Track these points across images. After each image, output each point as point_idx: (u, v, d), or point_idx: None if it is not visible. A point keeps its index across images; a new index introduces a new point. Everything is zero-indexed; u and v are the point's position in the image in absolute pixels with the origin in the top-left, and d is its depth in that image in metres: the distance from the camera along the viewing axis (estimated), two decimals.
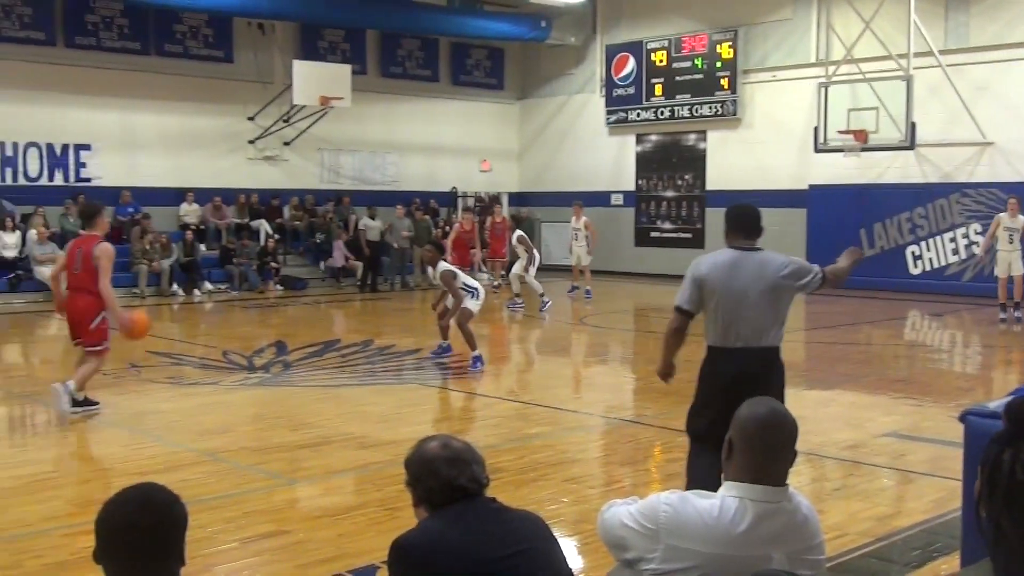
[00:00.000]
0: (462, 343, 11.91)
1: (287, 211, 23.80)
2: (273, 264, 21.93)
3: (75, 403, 8.89)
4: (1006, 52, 20.01)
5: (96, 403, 9.17)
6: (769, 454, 2.94)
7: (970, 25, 20.70)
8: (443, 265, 11.84)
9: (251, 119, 23.50)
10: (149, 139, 22.23)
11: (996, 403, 4.70)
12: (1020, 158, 19.93)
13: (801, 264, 5.40)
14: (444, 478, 2.99)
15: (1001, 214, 16.71)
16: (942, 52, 20.08)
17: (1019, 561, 2.01)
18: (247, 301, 19.83)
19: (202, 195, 22.50)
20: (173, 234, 21.23)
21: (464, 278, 12.01)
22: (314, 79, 21.94)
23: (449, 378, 11.40)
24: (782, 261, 5.30)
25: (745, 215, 5.38)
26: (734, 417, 3.02)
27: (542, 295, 17.90)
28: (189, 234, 21.28)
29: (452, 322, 11.99)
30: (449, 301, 11.95)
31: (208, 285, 21.00)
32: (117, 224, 21.48)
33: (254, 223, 22.80)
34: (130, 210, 21.42)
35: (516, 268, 18.45)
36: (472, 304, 11.77)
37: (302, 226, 23.64)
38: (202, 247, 21.68)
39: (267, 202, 23.43)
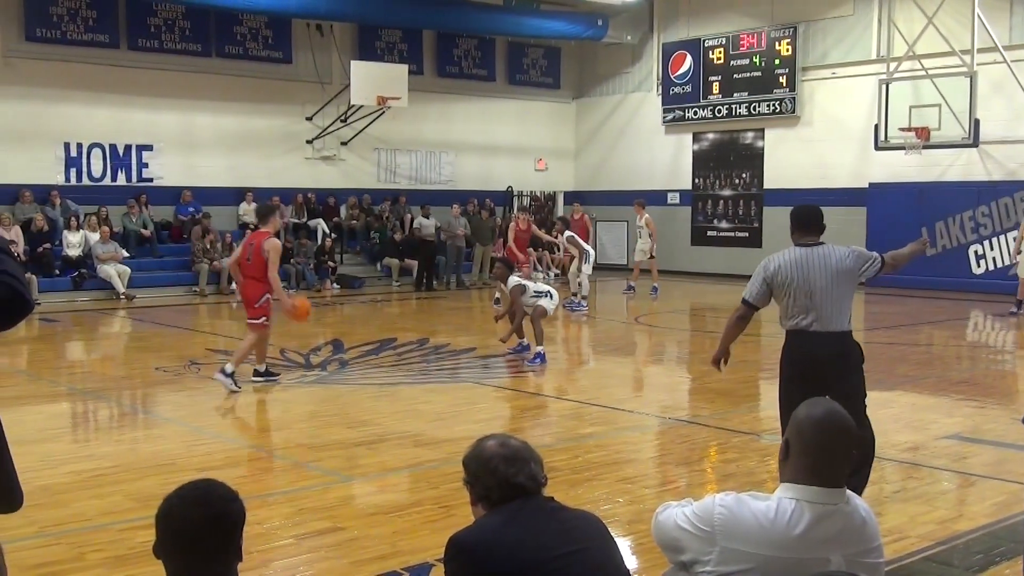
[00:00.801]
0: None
1: (344, 210, 23.99)
2: (330, 263, 22.12)
3: (256, 374, 10.47)
4: None
5: (276, 375, 10.65)
6: (826, 455, 2.90)
7: None
8: (513, 280, 12.45)
9: (309, 119, 23.71)
10: (209, 139, 22.54)
11: None
12: None
13: (861, 251, 6.03)
14: (502, 476, 3.00)
15: None
16: (1007, 47, 19.68)
17: None
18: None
19: (261, 195, 22.69)
20: (233, 233, 21.49)
21: (533, 287, 12.57)
22: (371, 79, 22.07)
23: (504, 377, 11.41)
24: (844, 251, 5.93)
25: (808, 214, 6.04)
26: (791, 418, 3.00)
27: (575, 294, 17.96)
28: (248, 233, 21.47)
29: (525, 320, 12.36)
30: (543, 303, 12.42)
31: None
32: (178, 223, 21.85)
33: (311, 222, 23.00)
34: (191, 210, 21.73)
35: (573, 268, 18.54)
36: (547, 304, 12.39)
37: (359, 225, 23.81)
38: None
39: (324, 201, 23.64)
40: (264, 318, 10.36)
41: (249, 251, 10.34)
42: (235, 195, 22.58)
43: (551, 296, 12.51)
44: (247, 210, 22.40)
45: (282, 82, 23.37)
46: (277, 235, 10.60)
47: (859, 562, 2.89)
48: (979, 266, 21.00)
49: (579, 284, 18.24)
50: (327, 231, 22.75)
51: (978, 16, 19.24)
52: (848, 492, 2.95)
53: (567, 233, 18.43)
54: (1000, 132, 19.90)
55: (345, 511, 6.25)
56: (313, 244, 22.32)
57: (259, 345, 10.50)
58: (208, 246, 20.60)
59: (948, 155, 20.83)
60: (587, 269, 18.24)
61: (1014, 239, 19.64)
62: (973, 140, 19.51)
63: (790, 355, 5.97)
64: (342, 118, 23.45)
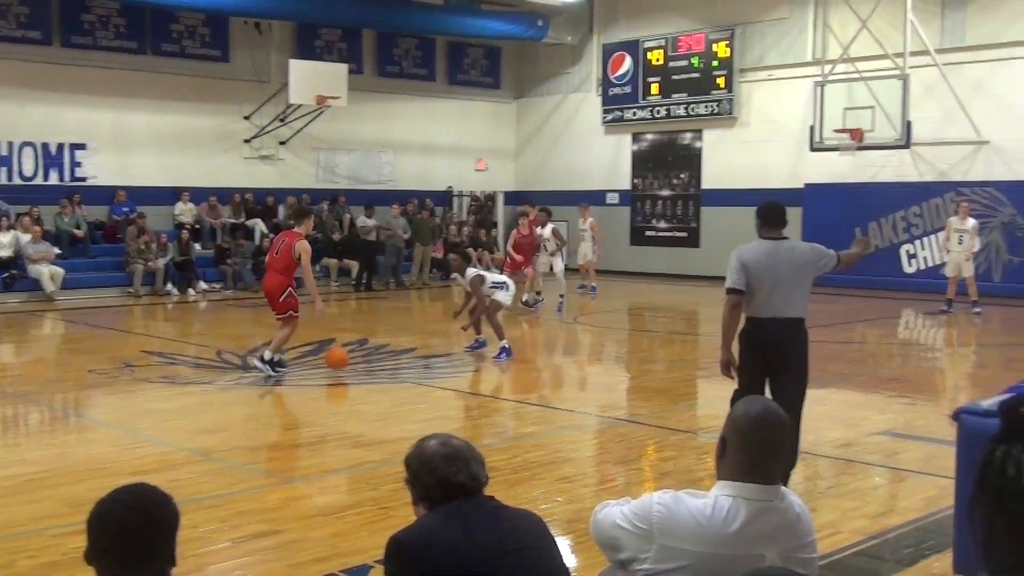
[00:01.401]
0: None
1: (282, 210, 23.79)
2: None
3: (263, 360, 10.69)
4: (1002, 51, 20.04)
5: (284, 367, 10.84)
6: (763, 452, 2.93)
7: (966, 23, 20.72)
8: (471, 271, 12.50)
9: (247, 118, 23.48)
10: (145, 138, 22.21)
11: (989, 401, 4.72)
12: (1015, 157, 19.96)
13: (820, 248, 6.58)
14: (443, 475, 3.00)
15: (952, 217, 17.78)
16: (938, 51, 20.10)
17: (1010, 562, 2.02)
18: (242, 300, 19.81)
19: (197, 194, 22.49)
20: (168, 233, 21.21)
21: (491, 277, 12.67)
22: (310, 78, 21.93)
23: (445, 377, 11.40)
24: (805, 246, 6.56)
25: (774, 211, 6.54)
26: (729, 416, 3.02)
27: (538, 292, 17.93)
28: (184, 233, 21.26)
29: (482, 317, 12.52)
30: (499, 296, 12.53)
31: (203, 284, 20.98)
32: (112, 223, 21.52)
33: (249, 222, 22.79)
34: (125, 209, 21.41)
35: (543, 265, 18.13)
36: (503, 296, 12.50)
37: None
38: (197, 246, 21.66)
39: (262, 201, 23.43)
40: (291, 311, 10.85)
41: (279, 246, 10.92)
42: (171, 195, 22.27)
43: (507, 288, 12.63)
44: (183, 210, 22.14)
45: (219, 81, 23.11)
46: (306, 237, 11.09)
47: (794, 557, 2.92)
48: (911, 265, 21.43)
49: (540, 281, 18.11)
50: (265, 231, 22.54)
51: (910, 20, 19.61)
52: (783, 489, 2.99)
53: (550, 226, 18.11)
54: (931, 134, 20.30)
55: (283, 514, 6.20)
56: (251, 244, 22.12)
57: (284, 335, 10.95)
58: (143, 247, 20.30)
59: (881, 156, 21.21)
60: (560, 264, 18.04)
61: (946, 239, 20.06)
62: (905, 142, 19.88)
63: (751, 339, 6.37)
64: (280, 117, 23.25)
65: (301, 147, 24.39)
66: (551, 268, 17.94)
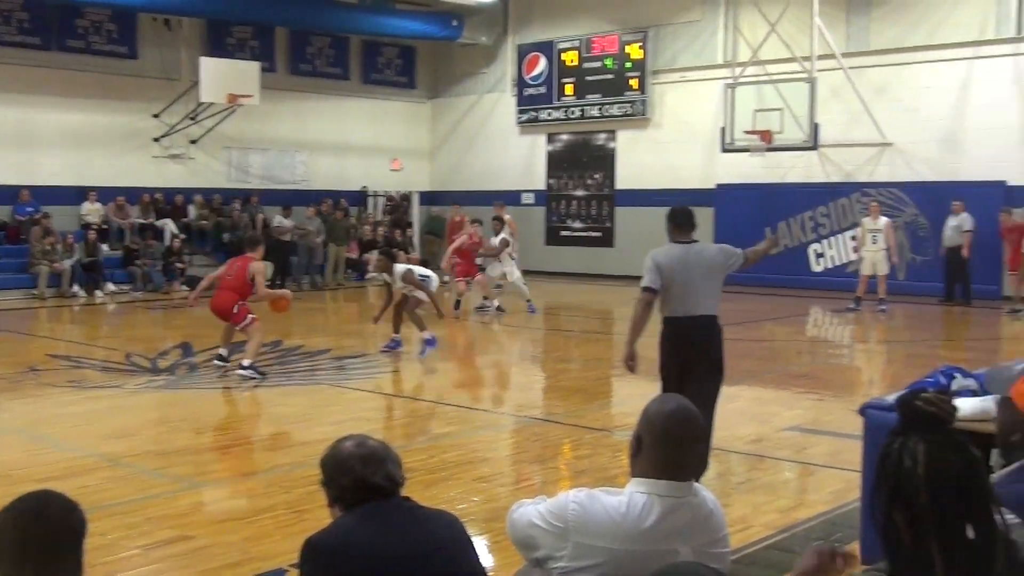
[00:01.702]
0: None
1: (193, 210, 23.41)
2: (179, 264, 21.53)
3: (244, 367, 10.87)
4: (904, 55, 20.60)
5: (264, 374, 10.96)
6: (677, 450, 2.97)
7: (870, 29, 21.26)
8: (399, 268, 12.58)
9: (156, 116, 23.02)
10: (49, 136, 21.64)
11: (893, 397, 4.85)
12: (917, 158, 20.53)
13: (728, 248, 6.90)
14: (358, 476, 2.98)
15: (865, 218, 18.28)
16: (844, 55, 20.58)
17: (910, 553, 2.08)
18: (151, 302, 19.44)
19: (105, 194, 21.99)
20: (75, 234, 20.70)
21: (419, 270, 12.78)
22: (222, 76, 21.61)
23: (360, 378, 11.33)
24: (714, 248, 6.86)
25: (684, 215, 6.81)
26: (643, 413, 3.05)
27: (485, 298, 17.81)
28: (91, 234, 20.76)
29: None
30: (418, 293, 12.64)
31: (111, 286, 20.51)
32: (15, 224, 20.93)
33: (159, 222, 22.36)
34: (29, 210, 20.84)
35: (495, 272, 18.03)
36: (421, 294, 12.55)
37: (209, 225, 23.26)
38: (104, 247, 21.17)
39: (172, 201, 23.01)
40: (248, 316, 11.11)
41: (233, 269, 11.34)
42: (77, 194, 21.73)
43: (429, 282, 12.75)
44: (90, 210, 21.64)
45: (127, 78, 22.62)
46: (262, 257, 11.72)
47: (707, 552, 2.96)
48: (818, 264, 21.91)
49: (497, 287, 18.02)
50: (175, 231, 22.14)
51: (817, 25, 20.04)
52: (696, 485, 3.03)
53: (502, 235, 18.07)
54: (838, 136, 20.77)
55: (194, 519, 6.10)
56: (160, 245, 21.71)
57: (231, 333, 11.26)
58: (48, 248, 19.78)
59: (790, 157, 21.63)
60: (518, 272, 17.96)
61: (852, 237, 20.59)
62: (813, 143, 20.30)
63: (670, 338, 6.64)
64: (191, 116, 22.86)
65: (212, 146, 24.00)
66: (505, 276, 17.77)
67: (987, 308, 17.89)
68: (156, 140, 23.20)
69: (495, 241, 17.65)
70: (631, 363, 6.70)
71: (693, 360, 6.58)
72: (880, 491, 2.16)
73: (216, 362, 11.31)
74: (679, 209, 6.89)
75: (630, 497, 2.96)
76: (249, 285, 11.17)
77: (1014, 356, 12.50)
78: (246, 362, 10.99)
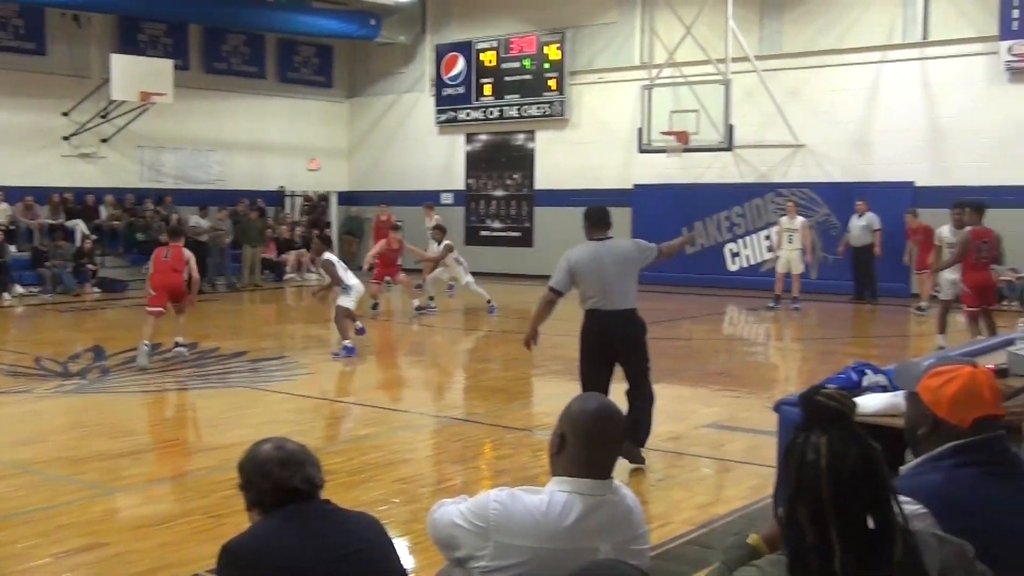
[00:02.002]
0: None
1: (104, 210, 22.90)
2: (90, 266, 21.06)
3: (180, 345, 12.43)
4: (815, 59, 21.05)
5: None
6: (599, 447, 2.99)
7: (783, 32, 21.68)
8: (326, 256, 12.93)
9: (66, 115, 22.50)
10: None
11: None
12: (828, 159, 20.99)
13: (641, 243, 7.35)
14: (276, 480, 2.94)
15: (782, 218, 18.71)
16: (757, 57, 20.94)
17: (813, 547, 2.13)
18: (61, 305, 18.97)
19: (12, 194, 21.41)
20: None
21: (343, 274, 12.83)
22: (133, 74, 21.18)
23: (278, 380, 11.20)
24: (628, 243, 7.35)
25: (599, 214, 7.27)
26: (565, 412, 3.05)
27: (431, 297, 17.82)
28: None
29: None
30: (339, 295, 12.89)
31: (19, 288, 19.95)
32: None
33: (69, 223, 21.84)
34: None
35: (437, 273, 18.06)
36: (347, 301, 12.71)
37: (121, 226, 22.79)
38: (12, 248, 20.61)
39: (83, 201, 22.49)
40: (188, 297, 12.59)
41: (168, 254, 12.53)
42: None
43: (350, 292, 12.80)
44: None
45: (35, 75, 22.06)
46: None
47: (626, 549, 2.98)
48: (734, 263, 22.26)
49: (449, 288, 17.93)
50: (86, 232, 21.64)
51: (731, 27, 20.35)
52: (616, 482, 3.06)
53: (445, 242, 18.02)
54: (752, 137, 21.12)
55: (108, 525, 5.98)
56: (71, 246, 21.19)
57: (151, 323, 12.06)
58: None
59: (706, 158, 21.94)
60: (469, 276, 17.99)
61: (767, 237, 20.97)
62: (728, 144, 20.61)
63: (589, 331, 7.09)
64: (102, 114, 22.38)
65: (124, 145, 23.51)
66: (457, 280, 18.07)
67: (896, 306, 18.35)
68: (66, 139, 22.66)
69: (438, 248, 17.90)
70: (531, 342, 7.26)
71: (621, 353, 7.10)
72: (784, 485, 2.21)
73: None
74: (594, 208, 7.33)
75: (551, 496, 2.97)
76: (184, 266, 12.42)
77: (921, 352, 12.87)
78: (182, 340, 12.39)
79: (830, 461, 2.12)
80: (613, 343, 7.05)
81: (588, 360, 7.09)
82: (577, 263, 7.00)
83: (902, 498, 2.31)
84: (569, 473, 2.99)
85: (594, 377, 7.03)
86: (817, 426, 2.19)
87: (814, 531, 2.12)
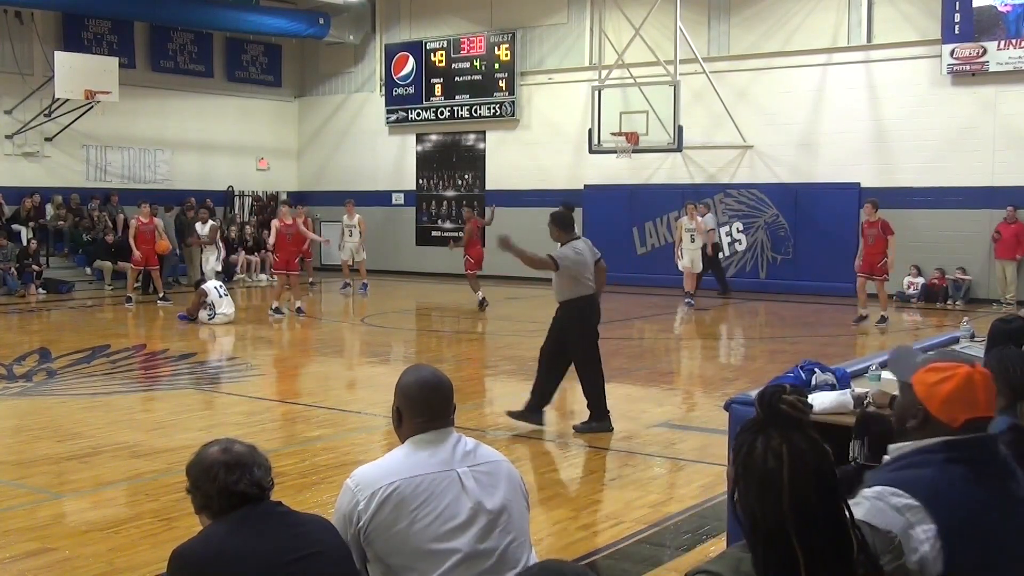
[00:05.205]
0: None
1: (49, 210, 22.54)
2: (35, 266, 20.71)
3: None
4: (762, 61, 21.28)
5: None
6: (435, 409, 3.30)
7: (730, 35, 21.89)
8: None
9: (8, 113, 22.13)
10: None
11: (756, 392, 5.00)
12: (775, 160, 21.23)
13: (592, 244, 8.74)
14: (223, 484, 2.91)
15: (683, 218, 19.15)
16: (705, 59, 21.12)
17: (775, 548, 2.14)
18: (5, 306, 18.64)
19: None
20: None
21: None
22: (78, 72, 20.87)
23: (227, 382, 11.10)
24: (589, 242, 8.66)
25: (569, 217, 8.77)
26: (398, 387, 3.35)
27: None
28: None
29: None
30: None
31: None
32: None
33: (14, 225, 21.46)
34: None
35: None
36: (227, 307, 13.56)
37: (66, 226, 22.44)
38: None
39: (20, 203, 22.10)
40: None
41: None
42: None
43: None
44: None
45: None
46: None
47: (480, 476, 3.26)
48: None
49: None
50: (31, 233, 21.27)
51: (680, 29, 20.50)
52: (454, 431, 3.34)
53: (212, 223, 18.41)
54: (701, 138, 21.29)
55: (56, 530, 5.89)
56: (15, 246, 20.83)
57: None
58: None
59: (655, 159, 22.10)
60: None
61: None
62: (677, 145, 20.74)
63: (584, 313, 8.40)
64: (46, 112, 22.02)
65: (69, 144, 23.16)
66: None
67: (844, 305, 18.57)
68: (8, 137, 22.29)
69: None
70: (505, 244, 8.32)
71: (596, 327, 8.53)
72: (744, 489, 2.22)
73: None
74: (562, 212, 8.73)
75: (401, 449, 3.31)
76: None
77: (866, 351, 13.07)
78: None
79: (791, 468, 2.14)
80: (596, 317, 8.56)
81: (587, 338, 8.41)
82: (575, 256, 8.32)
83: (893, 490, 2.48)
84: (413, 435, 3.30)
85: (595, 352, 8.45)
86: (774, 428, 2.20)
87: (777, 540, 2.14)
